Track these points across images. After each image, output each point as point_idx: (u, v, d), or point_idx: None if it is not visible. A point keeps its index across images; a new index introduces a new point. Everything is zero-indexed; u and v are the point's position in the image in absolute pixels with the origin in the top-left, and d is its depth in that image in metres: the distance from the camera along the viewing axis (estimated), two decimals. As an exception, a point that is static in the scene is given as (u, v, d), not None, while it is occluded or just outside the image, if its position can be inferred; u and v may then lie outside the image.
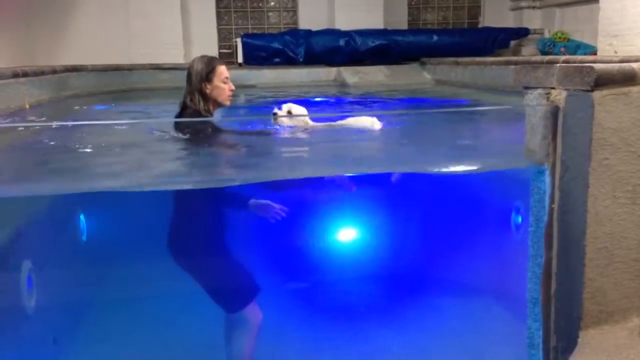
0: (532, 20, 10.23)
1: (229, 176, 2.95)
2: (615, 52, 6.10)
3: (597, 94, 1.95)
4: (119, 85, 8.07)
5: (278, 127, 3.65)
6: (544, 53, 8.83)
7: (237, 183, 3.00)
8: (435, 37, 9.47)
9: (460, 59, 8.12)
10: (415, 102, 6.85)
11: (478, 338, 3.58)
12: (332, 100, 6.99)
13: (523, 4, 10.36)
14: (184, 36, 9.52)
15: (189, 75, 3.23)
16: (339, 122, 3.80)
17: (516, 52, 9.95)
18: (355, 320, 3.97)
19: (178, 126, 3.26)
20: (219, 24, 10.26)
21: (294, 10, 10.53)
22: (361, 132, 3.66)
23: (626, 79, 1.97)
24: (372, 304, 4.20)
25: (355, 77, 8.82)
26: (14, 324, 3.01)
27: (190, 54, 8.97)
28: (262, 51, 9.37)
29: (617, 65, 1.99)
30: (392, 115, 4.80)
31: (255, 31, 10.28)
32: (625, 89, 1.98)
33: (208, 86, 3.21)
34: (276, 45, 9.35)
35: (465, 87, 7.52)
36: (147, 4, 9.21)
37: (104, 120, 5.01)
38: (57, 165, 2.90)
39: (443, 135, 3.51)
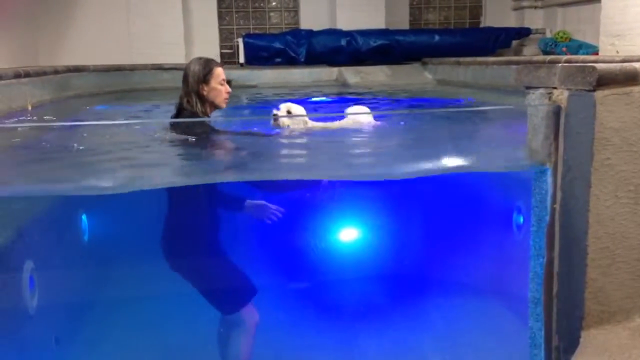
0: (534, 20, 10.21)
1: (227, 175, 2.95)
2: (617, 51, 6.09)
3: (599, 94, 1.95)
4: (121, 85, 8.08)
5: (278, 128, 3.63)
6: (545, 53, 8.83)
7: (237, 179, 3.00)
8: (436, 37, 9.46)
9: (461, 59, 8.11)
10: (416, 102, 6.84)
11: (480, 338, 3.58)
12: (328, 99, 6.98)
13: (525, 3, 10.35)
14: (185, 36, 9.52)
15: (186, 77, 3.21)
16: (337, 123, 3.80)
17: (518, 52, 9.94)
18: (356, 321, 3.97)
19: (177, 127, 3.24)
20: (220, 24, 10.26)
21: (295, 10, 10.53)
22: (360, 131, 3.66)
23: (628, 78, 1.97)
24: (373, 305, 4.19)
25: (357, 77, 8.82)
26: (15, 324, 3.02)
27: (191, 54, 8.97)
28: (264, 51, 9.37)
29: (619, 65, 1.99)
30: (393, 115, 4.79)
31: (256, 31, 10.28)
32: (627, 89, 1.97)
33: (205, 88, 3.19)
34: (278, 45, 9.35)
35: (467, 87, 7.51)
36: (149, 4, 9.22)
37: (104, 121, 5.01)
38: (57, 165, 2.90)
39: (444, 135, 3.50)
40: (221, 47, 10.21)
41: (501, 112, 3.53)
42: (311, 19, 10.16)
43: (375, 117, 3.90)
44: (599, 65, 1.95)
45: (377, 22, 9.81)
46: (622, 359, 1.92)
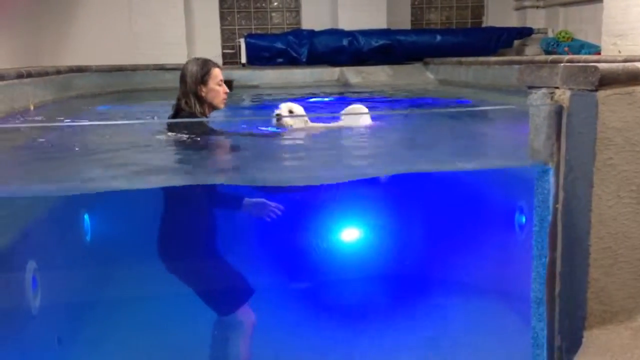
0: (536, 19, 10.21)
1: (230, 178, 2.95)
2: (619, 51, 6.09)
3: (601, 94, 1.95)
4: (123, 85, 8.10)
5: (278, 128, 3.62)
6: (547, 52, 8.82)
7: (238, 183, 2.99)
8: (438, 37, 9.47)
9: (463, 59, 8.11)
10: (418, 102, 6.84)
11: (482, 338, 3.57)
12: (326, 99, 6.98)
13: (527, 3, 10.34)
14: (187, 36, 9.54)
15: (183, 78, 3.17)
16: (337, 123, 3.80)
17: (520, 52, 9.94)
18: (357, 321, 3.96)
19: (175, 128, 3.22)
20: (222, 24, 10.27)
21: (297, 11, 10.54)
22: (359, 131, 3.67)
23: (630, 78, 1.97)
24: (374, 305, 4.19)
25: (358, 77, 8.82)
26: (19, 324, 3.02)
27: (193, 55, 8.97)
28: (266, 51, 9.38)
29: (621, 65, 1.99)
30: (394, 115, 4.79)
31: (258, 31, 10.29)
32: (630, 89, 1.97)
33: (203, 89, 3.16)
34: (279, 45, 9.36)
35: (469, 87, 7.51)
36: (151, 4, 9.24)
37: (105, 121, 5.01)
38: (57, 164, 2.91)
39: (446, 135, 3.50)
40: (223, 47, 10.22)
41: (503, 112, 3.53)
42: (313, 19, 10.17)
43: (373, 118, 3.90)
44: (601, 65, 1.95)
45: (378, 22, 9.82)
46: (624, 359, 1.92)
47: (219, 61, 9.75)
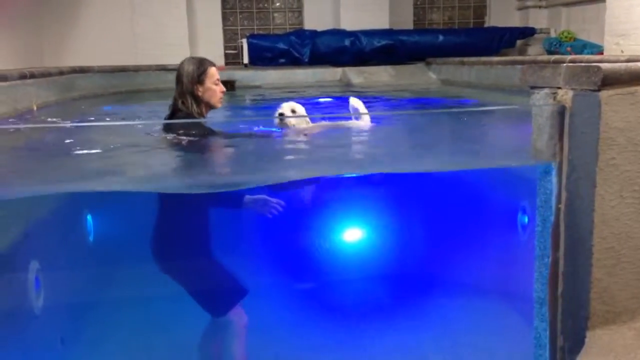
0: (538, 19, 10.20)
1: (233, 180, 2.94)
2: (622, 51, 6.08)
3: (603, 94, 1.95)
4: (125, 86, 8.10)
5: (279, 128, 3.62)
6: (550, 52, 8.81)
7: (243, 187, 2.98)
8: (440, 37, 9.46)
9: (466, 59, 8.11)
10: (420, 102, 6.84)
11: (484, 338, 3.57)
12: (325, 100, 6.98)
13: (529, 3, 10.33)
14: (189, 37, 9.55)
15: (179, 77, 3.13)
16: (337, 123, 3.80)
17: (522, 52, 9.93)
18: (359, 321, 3.96)
19: (173, 129, 3.19)
20: (224, 24, 10.28)
21: (299, 11, 10.54)
22: (359, 131, 3.67)
23: (633, 78, 1.97)
24: (376, 305, 4.19)
25: (361, 77, 8.82)
26: (22, 324, 3.03)
27: (195, 55, 8.98)
28: (268, 52, 9.38)
29: (623, 65, 1.98)
30: (397, 115, 4.79)
31: (260, 32, 10.30)
32: (632, 89, 1.97)
33: (200, 88, 3.12)
34: (282, 45, 9.36)
35: (471, 87, 7.50)
36: (153, 5, 9.25)
37: (106, 122, 5.02)
38: (58, 164, 2.91)
39: (448, 135, 3.50)
40: (225, 48, 10.23)
41: (506, 112, 3.52)
42: (315, 19, 10.17)
43: (372, 118, 3.90)
44: (603, 65, 1.95)
45: (381, 22, 9.81)
46: (627, 359, 1.92)
47: (221, 62, 9.77)
